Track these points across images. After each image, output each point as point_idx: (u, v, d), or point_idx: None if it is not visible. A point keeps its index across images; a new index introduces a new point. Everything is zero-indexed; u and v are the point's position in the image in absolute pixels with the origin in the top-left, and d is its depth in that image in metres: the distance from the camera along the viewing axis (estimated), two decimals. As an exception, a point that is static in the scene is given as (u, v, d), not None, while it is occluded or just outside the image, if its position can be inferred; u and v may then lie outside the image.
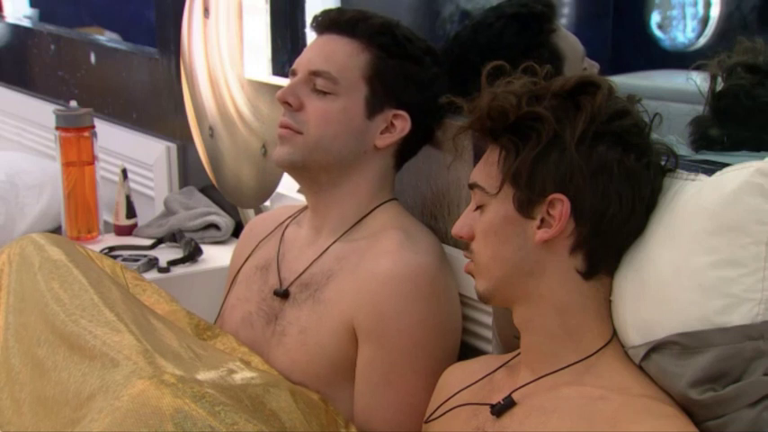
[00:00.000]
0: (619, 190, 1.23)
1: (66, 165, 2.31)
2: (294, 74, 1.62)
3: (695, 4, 2.66)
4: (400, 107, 1.60)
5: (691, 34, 2.68)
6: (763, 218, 1.17)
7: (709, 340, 1.18)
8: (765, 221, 1.17)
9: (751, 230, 1.17)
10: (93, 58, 2.94)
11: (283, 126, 1.60)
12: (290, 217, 1.75)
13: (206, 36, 2.29)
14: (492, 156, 1.29)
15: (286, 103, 1.60)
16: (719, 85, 1.50)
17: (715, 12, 2.62)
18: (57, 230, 2.43)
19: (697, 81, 1.50)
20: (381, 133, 1.60)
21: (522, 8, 1.72)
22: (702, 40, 2.65)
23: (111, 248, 2.19)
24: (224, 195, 2.32)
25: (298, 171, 1.63)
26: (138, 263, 2.08)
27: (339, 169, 1.60)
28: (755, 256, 1.17)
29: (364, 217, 1.63)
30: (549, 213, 1.24)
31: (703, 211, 1.20)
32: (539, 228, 1.25)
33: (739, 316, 1.17)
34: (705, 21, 2.64)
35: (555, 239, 1.25)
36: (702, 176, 1.25)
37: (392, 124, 1.60)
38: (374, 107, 1.59)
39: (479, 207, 1.30)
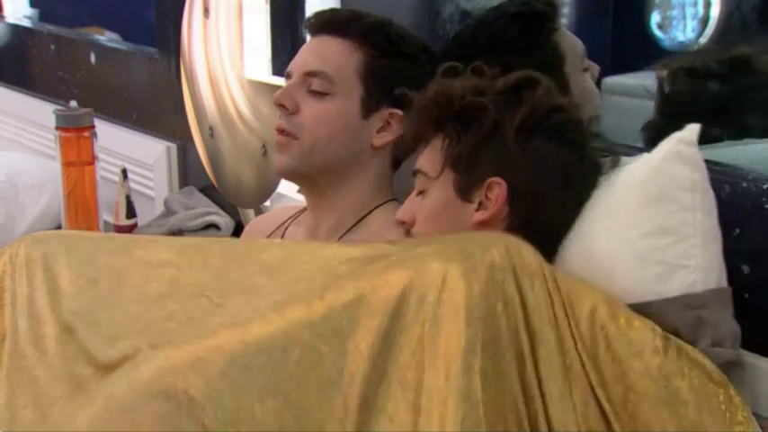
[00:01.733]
0: (552, 180, 1.30)
1: (66, 165, 2.31)
2: (289, 76, 1.62)
3: (695, 4, 2.65)
4: (396, 106, 1.60)
5: (691, 34, 2.67)
6: (686, 184, 1.22)
7: (659, 311, 1.21)
8: (689, 188, 1.22)
9: (676, 198, 1.22)
10: (93, 58, 2.94)
11: (280, 131, 1.60)
12: (290, 218, 1.75)
13: (206, 36, 2.29)
14: (436, 143, 1.37)
15: (282, 107, 1.60)
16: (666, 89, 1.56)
17: (715, 12, 2.61)
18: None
19: (646, 84, 1.55)
20: (378, 132, 1.60)
21: (524, 6, 1.71)
22: (702, 40, 2.64)
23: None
24: (224, 195, 2.32)
25: (298, 177, 1.63)
26: (138, 263, 2.07)
27: (338, 170, 1.60)
28: (683, 222, 1.22)
29: (364, 217, 1.63)
30: (486, 197, 1.31)
31: (634, 185, 1.25)
32: (476, 210, 1.31)
33: (676, 284, 1.21)
34: (705, 21, 2.64)
35: (490, 223, 1.31)
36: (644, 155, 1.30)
37: (388, 123, 1.60)
38: (370, 106, 1.59)
39: (421, 192, 1.38)
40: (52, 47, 3.14)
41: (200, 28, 2.30)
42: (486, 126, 1.32)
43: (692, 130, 1.24)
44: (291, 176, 1.64)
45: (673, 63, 1.61)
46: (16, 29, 3.43)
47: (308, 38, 1.66)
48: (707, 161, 1.27)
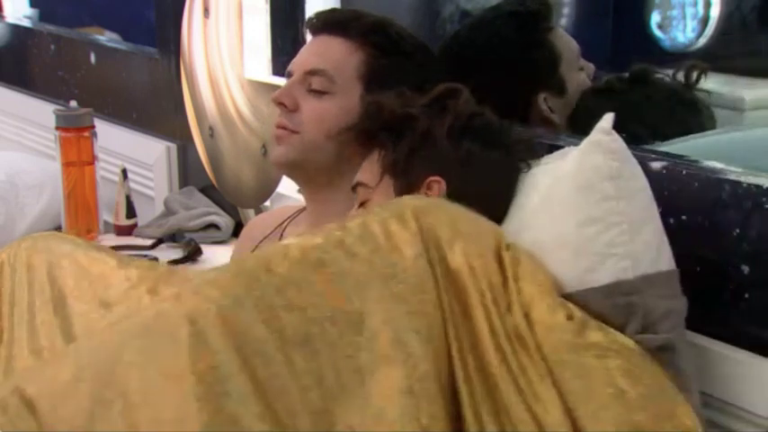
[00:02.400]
0: (482, 177, 1.37)
1: (67, 165, 2.31)
2: (290, 75, 1.63)
3: (695, 4, 2.65)
4: None
5: (691, 34, 2.67)
6: (607, 172, 1.24)
7: (587, 300, 1.22)
8: (610, 176, 1.24)
9: (598, 187, 1.24)
10: (93, 58, 2.94)
11: (280, 126, 1.60)
12: (289, 217, 1.75)
13: (206, 36, 2.29)
14: (372, 157, 1.44)
15: (281, 104, 1.60)
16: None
17: (715, 12, 2.62)
18: (57, 230, 2.42)
19: None
20: None
21: (519, 6, 1.74)
22: (702, 40, 2.64)
23: (112, 248, 2.19)
24: (224, 195, 2.32)
25: (295, 171, 1.63)
26: (138, 263, 2.07)
27: (337, 168, 1.60)
28: (608, 210, 1.23)
29: (364, 217, 1.63)
30: (427, 195, 1.36)
31: (563, 177, 1.29)
32: None
33: (607, 272, 1.22)
34: (705, 21, 2.64)
35: None
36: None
37: None
38: None
39: (363, 203, 1.42)
40: (52, 47, 3.14)
41: (201, 28, 2.30)
42: (418, 132, 1.39)
43: (607, 119, 1.26)
44: (289, 168, 1.64)
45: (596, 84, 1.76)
46: (16, 29, 3.43)
47: (309, 38, 1.66)
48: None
